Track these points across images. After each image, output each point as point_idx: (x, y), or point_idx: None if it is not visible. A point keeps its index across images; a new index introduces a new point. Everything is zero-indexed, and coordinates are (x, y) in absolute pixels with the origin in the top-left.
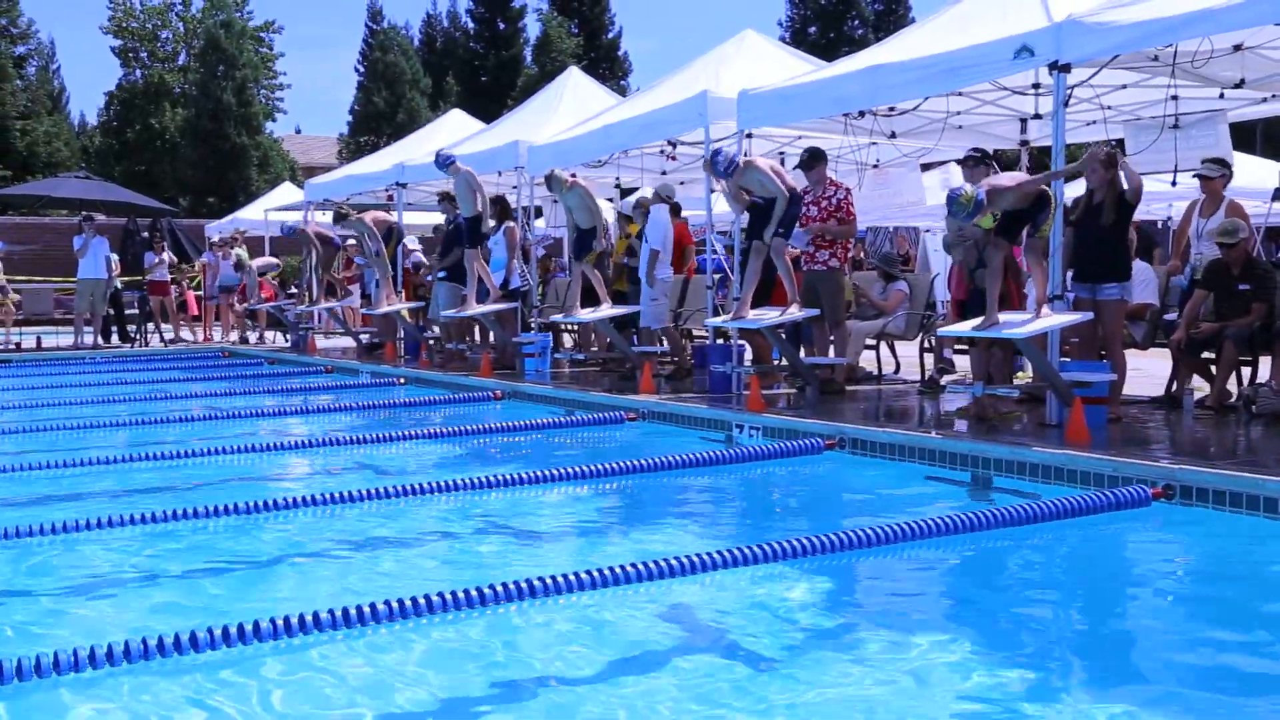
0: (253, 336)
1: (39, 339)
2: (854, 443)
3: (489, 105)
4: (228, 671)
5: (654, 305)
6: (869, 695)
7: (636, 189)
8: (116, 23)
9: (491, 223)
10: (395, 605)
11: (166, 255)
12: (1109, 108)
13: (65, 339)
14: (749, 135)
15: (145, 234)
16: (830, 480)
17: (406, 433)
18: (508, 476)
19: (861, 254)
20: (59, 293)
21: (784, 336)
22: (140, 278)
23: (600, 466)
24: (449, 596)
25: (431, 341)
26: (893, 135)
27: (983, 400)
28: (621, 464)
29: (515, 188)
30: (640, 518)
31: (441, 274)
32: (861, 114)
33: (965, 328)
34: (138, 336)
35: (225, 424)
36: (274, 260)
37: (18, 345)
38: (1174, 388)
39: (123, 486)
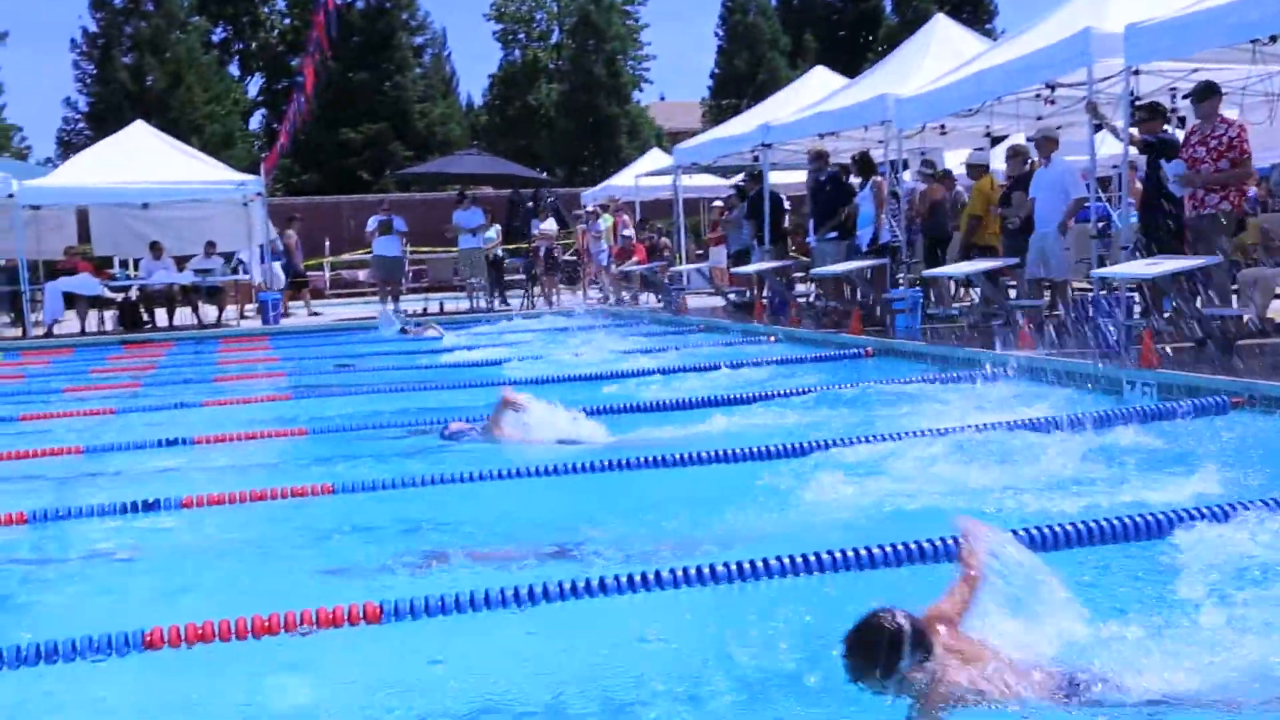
0: (626, 297)
1: (441, 304)
2: (1266, 400)
3: (848, 61)
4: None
5: (1066, 255)
6: None
7: (1005, 137)
8: (497, 9)
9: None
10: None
11: (549, 223)
12: None
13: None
14: (1136, 72)
15: (530, 204)
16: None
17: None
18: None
19: (1266, 194)
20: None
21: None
22: (525, 245)
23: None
24: None
25: (814, 300)
26: None
27: None
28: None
29: (881, 142)
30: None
31: (832, 235)
32: (1274, 38)
33: None
34: (525, 300)
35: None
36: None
37: (424, 310)
38: None
39: None
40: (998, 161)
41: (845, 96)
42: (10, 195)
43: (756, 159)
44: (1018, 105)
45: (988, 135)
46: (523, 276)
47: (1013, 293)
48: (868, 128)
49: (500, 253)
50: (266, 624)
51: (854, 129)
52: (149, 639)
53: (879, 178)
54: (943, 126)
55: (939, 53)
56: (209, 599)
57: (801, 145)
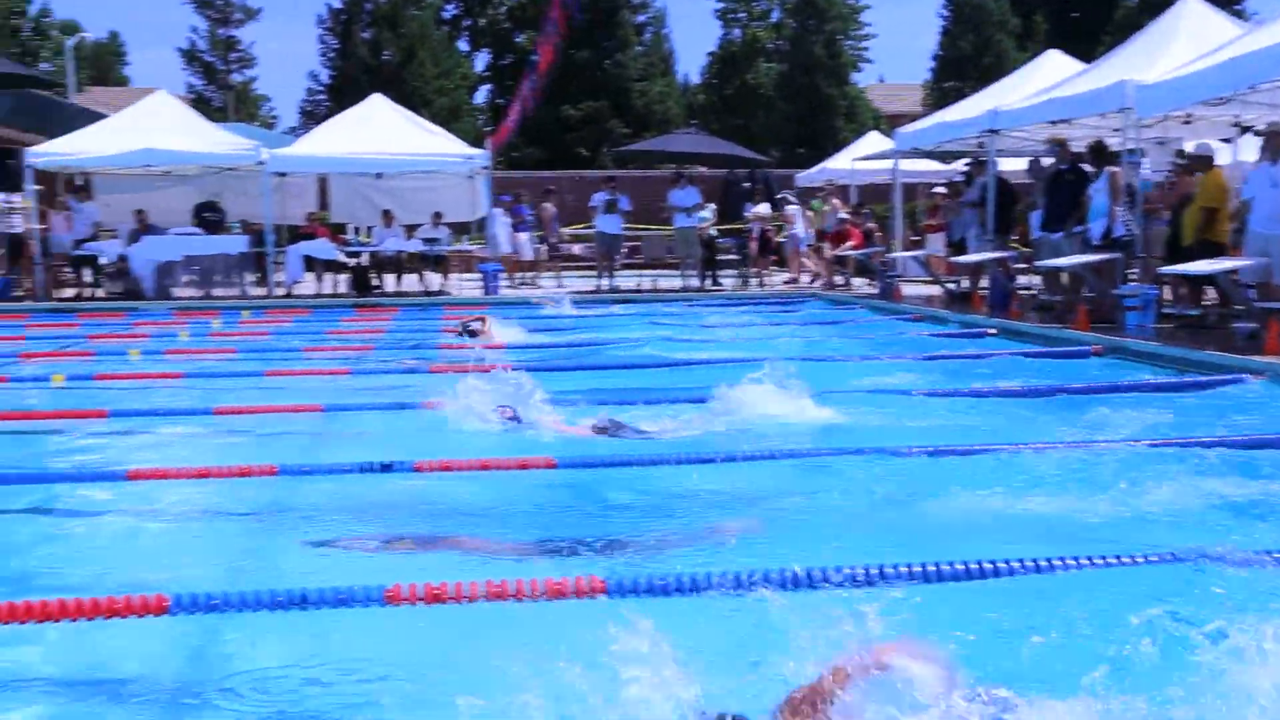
0: (839, 281)
1: (655, 281)
2: None
3: (1080, 44)
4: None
5: None
6: None
7: (1249, 128)
8: None
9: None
10: None
11: (763, 206)
12: None
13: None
14: None
15: (747, 184)
16: None
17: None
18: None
19: None
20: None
21: None
22: (739, 225)
23: None
24: None
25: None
26: None
27: None
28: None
29: (1117, 130)
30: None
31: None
32: None
33: None
34: (740, 280)
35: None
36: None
37: (637, 287)
38: None
39: None
40: (1247, 152)
41: (1081, 82)
42: (260, 162)
43: (982, 145)
44: (1274, 94)
45: (1236, 125)
46: (736, 256)
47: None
48: (1104, 115)
49: (714, 232)
50: (498, 589)
51: (1088, 116)
52: (390, 594)
53: (1115, 168)
54: (1187, 115)
55: (1187, 37)
56: (434, 559)
57: (1030, 132)
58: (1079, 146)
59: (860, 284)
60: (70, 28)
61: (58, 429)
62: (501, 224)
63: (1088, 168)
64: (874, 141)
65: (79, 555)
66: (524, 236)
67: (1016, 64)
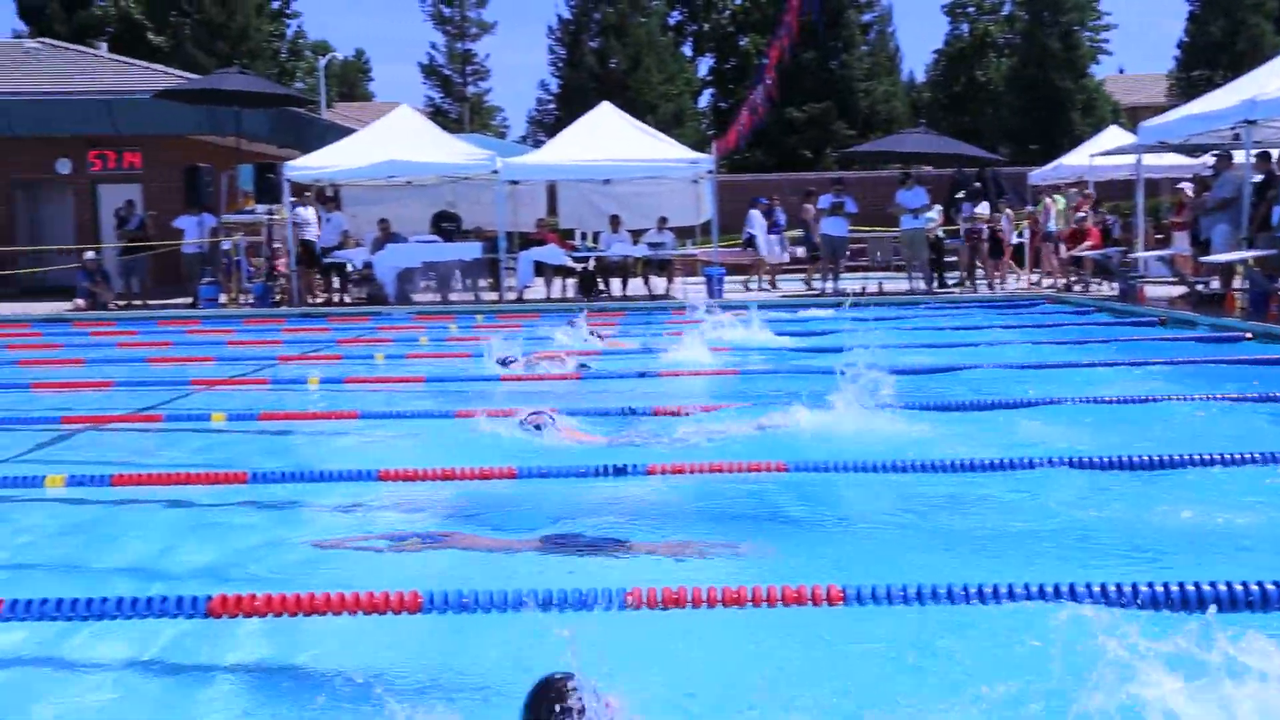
0: (1076, 282)
1: (880, 284)
2: None
3: None
4: None
5: None
6: None
7: None
8: None
9: None
10: None
11: (983, 207)
12: None
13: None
14: None
15: (978, 183)
16: None
17: None
18: None
19: None
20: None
21: None
22: (958, 227)
23: None
24: None
25: None
26: None
27: None
28: None
29: None
30: None
31: None
32: None
33: None
34: (964, 282)
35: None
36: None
37: (863, 289)
38: None
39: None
40: None
41: None
42: (494, 171)
43: (1237, 137)
44: None
45: None
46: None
47: None
48: None
49: (940, 234)
50: (735, 595)
51: None
52: (630, 597)
53: None
54: None
55: None
56: (655, 567)
57: None
58: None
59: (1098, 285)
60: (322, 48)
61: (315, 430)
62: (759, 226)
63: None
64: (1113, 136)
65: (336, 554)
66: (774, 239)
67: (1276, 49)
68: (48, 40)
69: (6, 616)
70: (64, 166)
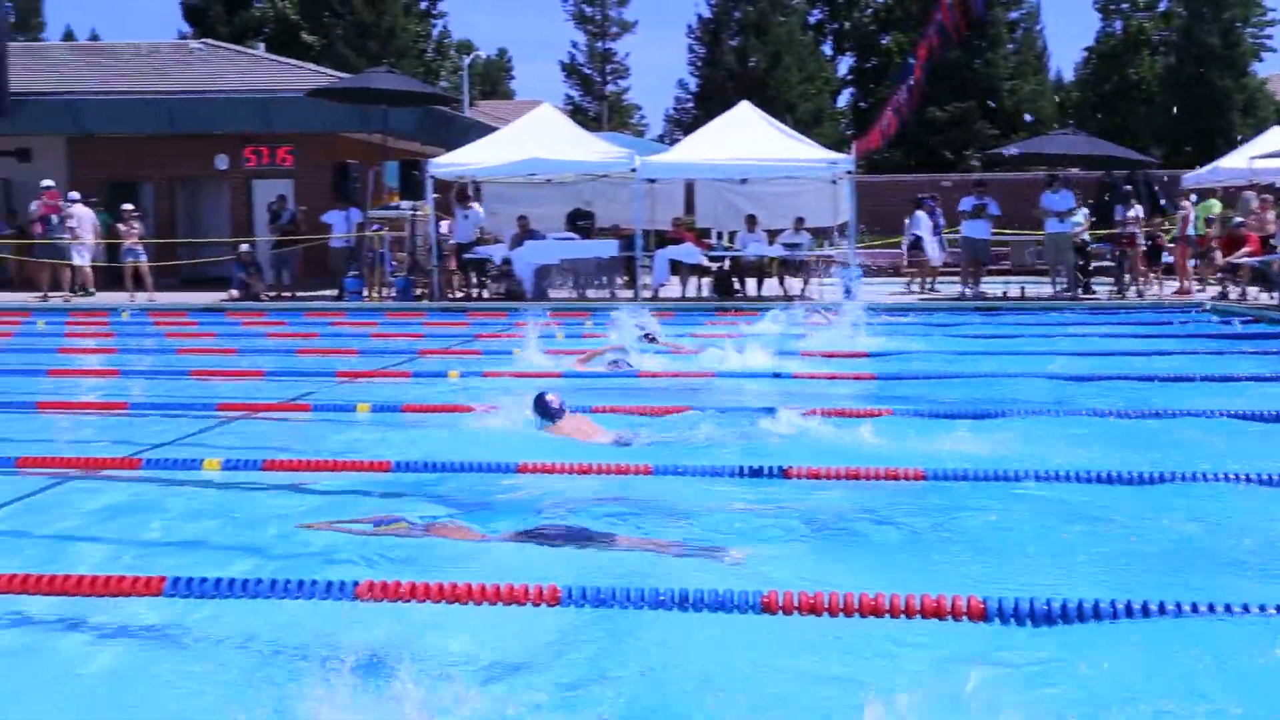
0: (1234, 292)
1: (1023, 289)
2: None
3: None
4: None
5: None
6: None
7: None
8: None
9: None
10: None
11: (1135, 210)
12: None
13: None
14: None
15: (1128, 186)
16: None
17: None
18: None
19: None
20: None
21: None
22: (1114, 230)
23: None
24: None
25: None
26: None
27: None
28: None
29: None
30: None
31: None
32: None
33: None
34: (1114, 289)
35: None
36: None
37: (1005, 294)
38: None
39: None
40: None
41: None
42: (632, 170)
43: None
44: None
45: None
46: (1111, 264)
47: None
48: None
49: (1087, 238)
50: (873, 603)
51: None
52: (766, 601)
53: None
54: None
55: None
56: (790, 569)
57: None
58: None
59: (1256, 294)
60: (465, 47)
61: (452, 423)
62: (925, 227)
63: None
64: (1275, 138)
65: (471, 545)
66: (935, 240)
67: None
68: (209, 41)
69: (170, 593)
70: (221, 162)
